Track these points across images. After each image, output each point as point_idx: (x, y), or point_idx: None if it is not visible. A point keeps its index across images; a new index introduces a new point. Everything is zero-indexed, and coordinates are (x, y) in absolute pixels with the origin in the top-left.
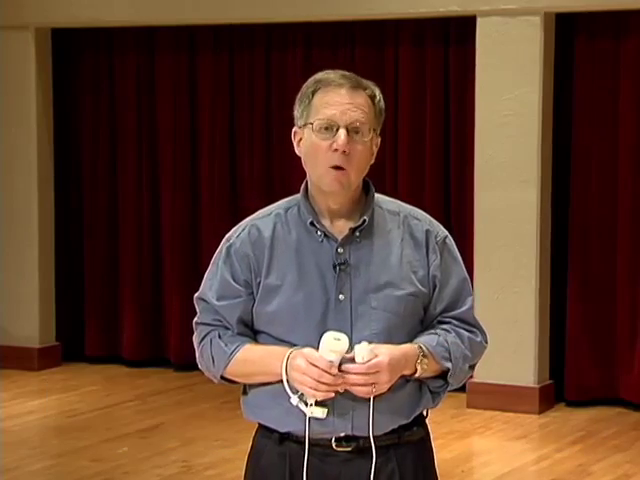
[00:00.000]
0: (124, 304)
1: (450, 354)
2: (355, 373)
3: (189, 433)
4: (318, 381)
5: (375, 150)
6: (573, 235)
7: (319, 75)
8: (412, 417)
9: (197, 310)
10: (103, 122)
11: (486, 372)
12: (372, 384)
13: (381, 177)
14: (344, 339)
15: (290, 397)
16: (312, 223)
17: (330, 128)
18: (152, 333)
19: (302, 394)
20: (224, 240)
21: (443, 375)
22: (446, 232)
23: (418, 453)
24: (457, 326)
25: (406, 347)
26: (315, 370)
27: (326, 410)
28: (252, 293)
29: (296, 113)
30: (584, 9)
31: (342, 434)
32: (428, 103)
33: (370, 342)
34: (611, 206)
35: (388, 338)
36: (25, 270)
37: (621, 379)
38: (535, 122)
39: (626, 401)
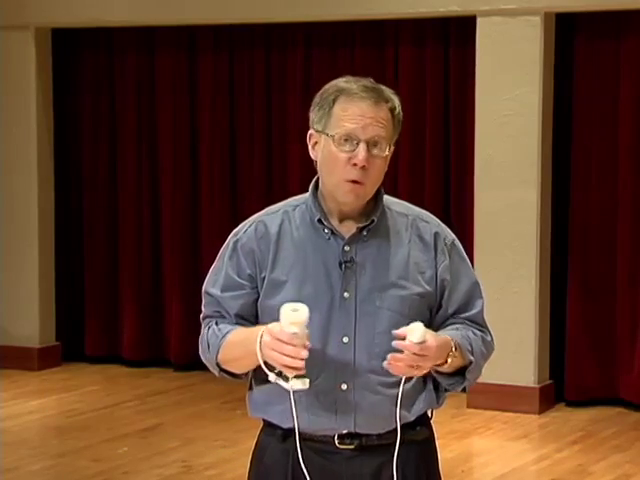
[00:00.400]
0: (124, 304)
1: (472, 348)
2: (411, 351)
3: (189, 433)
4: (283, 353)
5: (389, 158)
6: (573, 235)
7: (341, 83)
8: (415, 415)
9: (203, 304)
10: (103, 122)
11: (486, 372)
12: (417, 366)
13: None
14: (302, 309)
15: (269, 375)
16: (320, 221)
17: (350, 140)
18: (152, 333)
19: (280, 371)
20: (231, 235)
21: (457, 372)
22: (454, 236)
23: (422, 453)
24: (469, 326)
25: (443, 337)
26: (278, 343)
27: (307, 380)
28: (256, 287)
29: (313, 116)
30: (584, 9)
31: (345, 431)
32: (428, 103)
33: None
34: (611, 206)
35: (391, 338)
36: (25, 270)
37: (621, 379)
38: (535, 122)
39: (626, 401)
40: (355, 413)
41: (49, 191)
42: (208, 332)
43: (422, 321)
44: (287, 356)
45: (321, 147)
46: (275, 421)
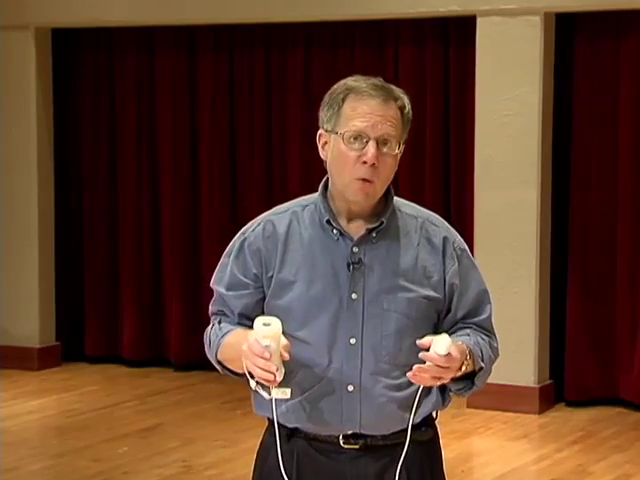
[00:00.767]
0: (124, 304)
1: (482, 354)
2: (435, 364)
3: (189, 433)
4: (255, 365)
5: (398, 158)
6: (573, 235)
7: (350, 82)
8: (421, 416)
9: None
10: (103, 122)
11: None
12: (439, 378)
13: None
14: (274, 322)
15: (250, 382)
16: (328, 221)
17: (360, 139)
18: (152, 333)
19: None
20: (239, 234)
21: (466, 377)
22: (463, 241)
23: (426, 454)
24: (477, 331)
25: (461, 345)
26: (250, 355)
27: (288, 390)
28: (261, 287)
29: (322, 115)
30: (584, 9)
31: (350, 432)
32: (428, 103)
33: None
34: (611, 206)
35: (398, 340)
36: (25, 270)
37: (621, 379)
38: (535, 122)
39: (626, 401)
40: (360, 414)
41: (49, 191)
42: (211, 330)
43: (429, 325)
44: (259, 368)
45: (331, 146)
46: (280, 419)
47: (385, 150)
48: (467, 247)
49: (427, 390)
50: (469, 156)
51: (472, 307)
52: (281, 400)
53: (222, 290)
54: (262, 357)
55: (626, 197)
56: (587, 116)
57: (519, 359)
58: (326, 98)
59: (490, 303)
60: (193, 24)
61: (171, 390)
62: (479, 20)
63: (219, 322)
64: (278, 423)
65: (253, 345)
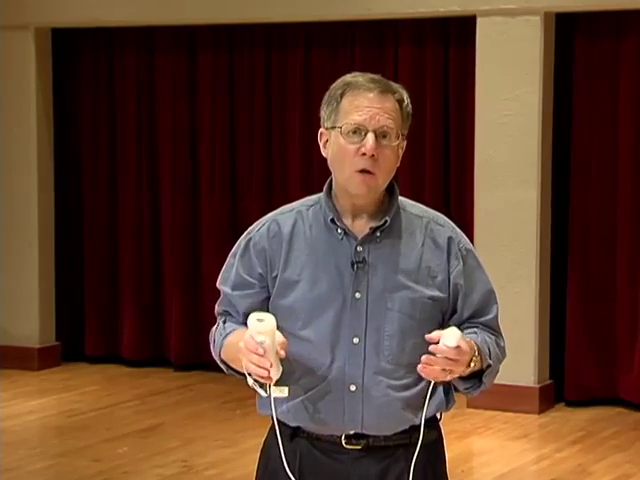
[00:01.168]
0: (124, 304)
1: (490, 352)
2: (444, 356)
3: (189, 433)
4: (250, 361)
5: (401, 154)
6: (573, 235)
7: (348, 77)
8: (423, 418)
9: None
10: (103, 122)
11: None
12: (449, 370)
13: None
14: (268, 318)
15: (247, 378)
16: (333, 221)
17: (358, 132)
18: (152, 333)
19: None
20: (245, 234)
21: (473, 376)
22: (469, 241)
23: (429, 455)
24: (484, 330)
25: (470, 342)
26: (245, 351)
27: (286, 389)
28: (266, 286)
29: (323, 114)
30: (584, 9)
31: (352, 432)
32: (428, 103)
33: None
34: (611, 206)
35: (401, 340)
36: (25, 270)
37: (621, 379)
38: (535, 122)
39: (626, 401)
40: (363, 414)
41: (49, 191)
42: (216, 330)
43: (434, 325)
44: (253, 364)
45: (331, 143)
46: (283, 419)
47: (384, 142)
48: (473, 247)
49: (431, 391)
50: (469, 156)
51: (478, 307)
52: (282, 399)
53: (228, 290)
54: (256, 353)
55: (626, 197)
56: (587, 116)
57: (519, 359)
58: (325, 96)
59: (496, 303)
60: (193, 24)
61: (171, 390)
62: (479, 20)
63: (224, 322)
64: (281, 422)
65: (248, 341)
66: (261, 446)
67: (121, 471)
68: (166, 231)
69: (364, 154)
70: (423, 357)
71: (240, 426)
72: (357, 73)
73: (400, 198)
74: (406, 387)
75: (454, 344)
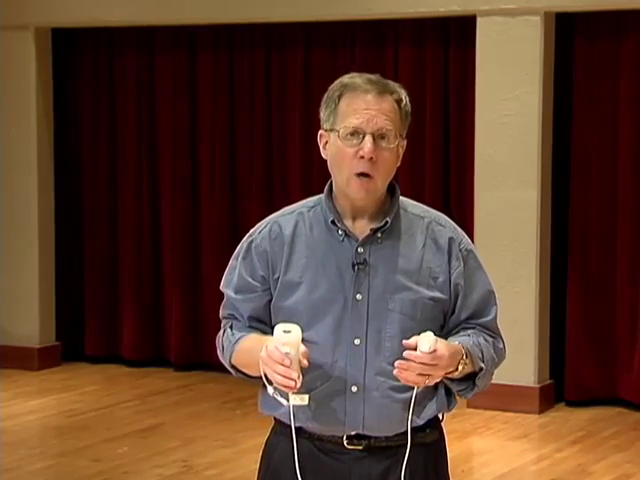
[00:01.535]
0: (124, 304)
1: (483, 355)
2: (419, 362)
3: (189, 433)
4: (274, 372)
5: (401, 153)
6: (573, 235)
7: (345, 79)
8: (425, 419)
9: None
10: (103, 122)
11: None
12: (427, 375)
13: None
14: (295, 330)
15: (267, 388)
16: (333, 222)
17: (356, 135)
18: (152, 333)
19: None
20: (246, 236)
21: (468, 378)
22: (470, 242)
23: (430, 456)
24: (482, 332)
25: (455, 345)
26: (271, 361)
27: (306, 397)
28: (268, 289)
29: (322, 116)
30: (584, 9)
31: (353, 432)
32: (428, 103)
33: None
34: (611, 206)
35: (402, 341)
36: (25, 270)
37: (621, 379)
38: (535, 122)
39: (626, 401)
40: (364, 415)
41: (49, 191)
42: (223, 335)
43: (435, 326)
44: (279, 375)
45: (330, 145)
46: (285, 419)
47: (383, 144)
48: (474, 248)
49: (432, 392)
50: (469, 156)
51: (477, 308)
52: (285, 397)
53: (231, 293)
54: (282, 364)
55: (626, 197)
56: (587, 116)
57: (519, 359)
58: (324, 98)
59: (496, 304)
60: (193, 24)
61: (171, 390)
62: (479, 20)
63: (231, 327)
64: (282, 422)
65: (273, 352)
66: (263, 446)
67: (121, 471)
68: (166, 231)
69: (362, 157)
70: (397, 362)
71: (240, 426)
72: (355, 74)
73: (401, 198)
74: (407, 388)
75: (427, 349)
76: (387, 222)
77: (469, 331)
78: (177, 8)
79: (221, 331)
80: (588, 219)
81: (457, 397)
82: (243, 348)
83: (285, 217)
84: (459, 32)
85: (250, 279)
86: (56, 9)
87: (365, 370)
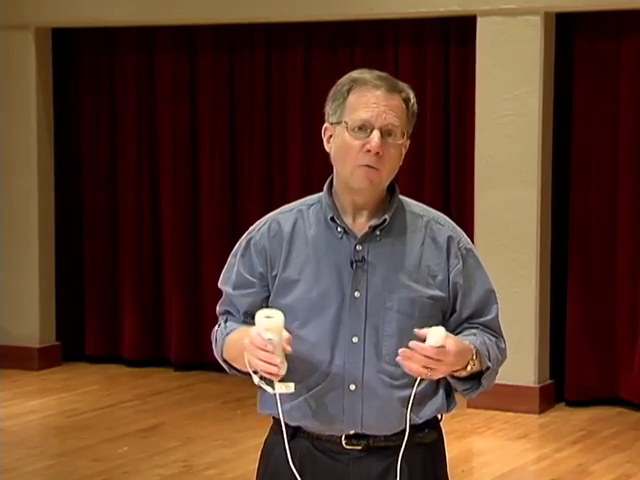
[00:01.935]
0: (124, 304)
1: (489, 354)
2: (423, 354)
3: (189, 433)
4: (257, 358)
5: (404, 152)
6: (573, 235)
7: (355, 74)
8: (423, 418)
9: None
10: (103, 122)
11: None
12: (430, 369)
13: None
14: (277, 315)
15: (253, 377)
16: (332, 219)
17: (364, 128)
18: (152, 333)
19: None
20: (246, 233)
21: (473, 377)
22: (470, 241)
23: (429, 455)
24: (484, 331)
25: (465, 343)
26: (253, 348)
27: (292, 385)
28: (266, 286)
29: (328, 109)
30: (584, 9)
31: (352, 431)
32: (428, 103)
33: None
34: (611, 206)
35: (400, 340)
36: (25, 270)
37: (621, 379)
38: (535, 122)
39: (626, 401)
40: (362, 414)
41: (49, 191)
42: (217, 329)
43: (434, 325)
44: (261, 361)
45: (335, 138)
46: (284, 418)
47: (389, 140)
48: (474, 247)
49: (432, 392)
50: (469, 156)
51: (477, 307)
52: (286, 397)
53: (229, 290)
54: (264, 350)
55: (626, 197)
56: (587, 116)
57: (519, 359)
58: (331, 92)
59: (497, 303)
60: (193, 24)
61: (171, 390)
62: (479, 20)
63: (225, 321)
64: (280, 422)
65: (255, 338)
66: (261, 446)
67: (121, 471)
68: (166, 231)
69: (369, 151)
70: (401, 349)
71: (240, 426)
72: (364, 70)
73: (401, 197)
74: (406, 386)
75: (434, 343)
76: (386, 220)
77: (474, 330)
78: (177, 8)
79: (216, 326)
80: (588, 219)
81: (457, 397)
82: (232, 340)
83: (284, 215)
84: (459, 32)
85: (248, 276)
86: (56, 9)
87: (363, 368)
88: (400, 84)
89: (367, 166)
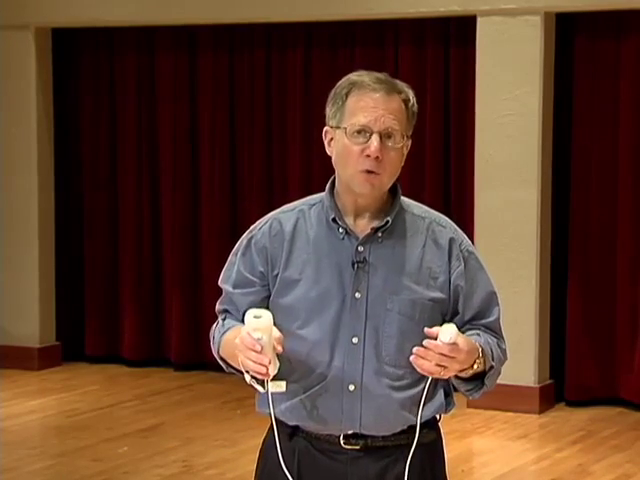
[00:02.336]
0: (124, 304)
1: (492, 353)
2: (438, 352)
3: (189, 433)
4: (247, 358)
5: (405, 153)
6: (573, 235)
7: (353, 76)
8: (422, 418)
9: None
10: (103, 122)
11: None
12: (443, 367)
13: None
14: (265, 315)
15: (244, 375)
16: (334, 220)
17: (363, 133)
18: (152, 333)
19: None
20: (247, 232)
21: (475, 377)
22: (471, 243)
23: (428, 456)
24: (486, 332)
25: (474, 343)
26: (243, 347)
27: (283, 383)
28: (267, 285)
29: (328, 112)
30: (584, 9)
31: (350, 431)
32: (428, 103)
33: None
34: (611, 206)
35: (400, 341)
36: (25, 270)
37: (621, 379)
38: (535, 122)
39: (626, 401)
40: (361, 414)
41: (49, 191)
42: (215, 327)
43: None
44: (251, 361)
45: (336, 142)
46: (282, 418)
47: (389, 144)
48: (475, 249)
49: (431, 393)
50: (469, 156)
51: (480, 309)
52: (282, 398)
53: (229, 288)
54: (254, 350)
55: (626, 197)
56: (587, 116)
57: (519, 359)
58: (331, 94)
59: (498, 305)
60: (193, 24)
61: (171, 390)
62: (479, 20)
63: (223, 319)
64: (280, 421)
65: (245, 338)
66: (260, 446)
67: (121, 471)
68: (166, 231)
69: (369, 156)
70: (415, 349)
71: (240, 426)
72: (363, 72)
73: (403, 199)
74: (405, 387)
75: (448, 340)
76: (388, 221)
77: (476, 331)
78: (177, 8)
79: (215, 324)
80: (588, 219)
81: (457, 397)
82: (228, 338)
83: (286, 214)
84: (459, 32)
85: (249, 275)
86: (56, 9)
87: (363, 369)
88: (399, 85)
89: (367, 171)
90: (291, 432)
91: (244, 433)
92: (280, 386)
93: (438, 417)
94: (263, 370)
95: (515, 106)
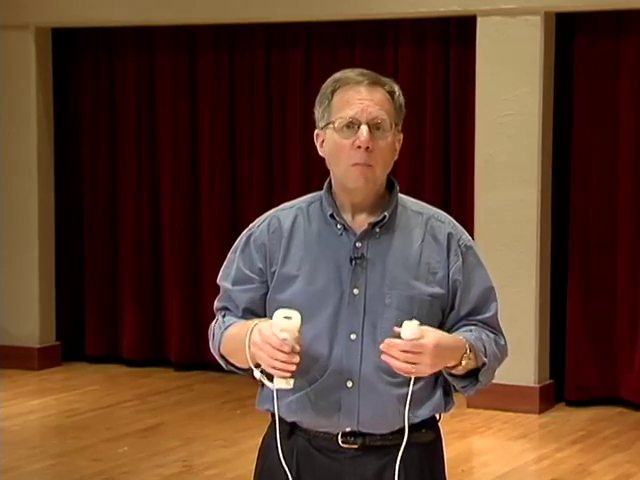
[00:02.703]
0: (124, 304)
1: (485, 350)
2: (399, 349)
3: (189, 433)
4: (273, 358)
5: (398, 146)
6: (573, 235)
7: (337, 75)
8: (420, 418)
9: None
10: (103, 122)
11: None
12: (413, 364)
13: None
14: (295, 317)
15: (253, 371)
16: (332, 216)
17: (351, 126)
18: (152, 333)
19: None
20: (246, 230)
21: (470, 374)
22: (470, 238)
23: (426, 455)
24: (483, 328)
25: (455, 338)
26: (268, 347)
27: (292, 380)
28: (265, 282)
29: (317, 115)
30: (584, 9)
31: (348, 429)
32: (428, 103)
33: (421, 323)
34: (611, 206)
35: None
36: (25, 270)
37: (621, 379)
38: (535, 122)
39: (626, 401)
40: (359, 411)
41: (49, 191)
42: (215, 324)
43: (433, 323)
44: (278, 361)
45: (326, 141)
46: (281, 414)
47: (378, 134)
48: (474, 244)
49: (429, 392)
50: (469, 156)
51: (476, 304)
52: (284, 391)
53: (228, 286)
54: (281, 350)
55: (626, 197)
56: (587, 116)
57: (519, 359)
58: (318, 97)
59: (496, 301)
60: (193, 24)
61: (171, 390)
62: (479, 20)
63: (223, 316)
64: (279, 418)
65: (270, 337)
66: (259, 445)
67: (121, 471)
68: (166, 231)
69: (359, 147)
70: (381, 345)
71: (240, 426)
72: (346, 70)
73: (400, 195)
74: (403, 384)
75: (410, 336)
76: (385, 216)
77: (471, 327)
78: (177, 8)
79: (214, 321)
80: (588, 219)
81: (458, 397)
82: (231, 334)
83: (284, 211)
84: (459, 32)
85: (248, 272)
86: (56, 9)
87: (361, 365)
88: (383, 78)
89: (359, 164)
90: (290, 430)
91: (244, 433)
92: (288, 383)
93: (438, 417)
94: (292, 368)
95: (515, 106)
